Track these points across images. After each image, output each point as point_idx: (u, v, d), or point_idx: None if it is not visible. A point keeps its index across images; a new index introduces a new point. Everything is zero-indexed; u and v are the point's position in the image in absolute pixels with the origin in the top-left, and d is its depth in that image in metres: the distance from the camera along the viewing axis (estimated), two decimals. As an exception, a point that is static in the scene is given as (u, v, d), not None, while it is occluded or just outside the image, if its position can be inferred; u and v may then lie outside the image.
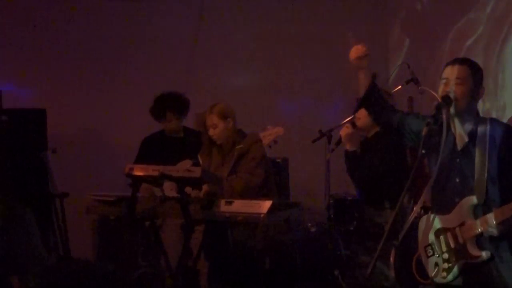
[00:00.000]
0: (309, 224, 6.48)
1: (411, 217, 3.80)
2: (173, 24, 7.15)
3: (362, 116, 4.59)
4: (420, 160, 3.69)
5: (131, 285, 5.00)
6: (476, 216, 3.59)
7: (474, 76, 3.67)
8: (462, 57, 3.88)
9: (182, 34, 7.17)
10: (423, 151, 3.66)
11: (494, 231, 3.54)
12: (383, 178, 4.53)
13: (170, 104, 5.74)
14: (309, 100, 7.09)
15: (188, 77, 7.02)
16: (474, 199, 3.61)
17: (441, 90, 3.69)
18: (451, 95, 3.62)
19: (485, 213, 3.55)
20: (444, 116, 3.62)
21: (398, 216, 4.48)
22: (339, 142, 4.67)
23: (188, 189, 4.90)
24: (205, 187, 5.01)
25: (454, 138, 3.70)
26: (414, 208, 3.76)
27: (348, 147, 4.59)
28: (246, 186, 5.01)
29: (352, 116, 4.88)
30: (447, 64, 3.74)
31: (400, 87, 5.44)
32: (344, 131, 4.68)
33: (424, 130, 3.68)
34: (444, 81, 3.68)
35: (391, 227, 4.26)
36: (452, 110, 3.62)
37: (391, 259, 3.80)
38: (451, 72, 3.66)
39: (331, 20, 7.62)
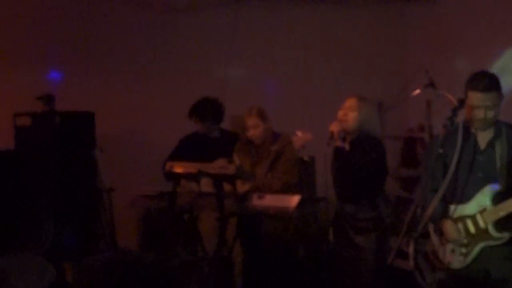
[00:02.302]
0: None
1: (430, 211, 3.78)
2: (210, 35, 7.16)
3: (352, 120, 4.51)
4: (438, 159, 3.68)
5: (171, 273, 5.01)
6: (495, 203, 3.60)
7: (500, 95, 3.65)
8: (487, 81, 3.64)
9: (217, 45, 7.17)
10: (441, 151, 3.64)
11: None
12: (364, 177, 4.47)
13: (205, 108, 5.74)
14: (335, 102, 7.05)
15: (221, 84, 7.02)
16: (496, 187, 3.61)
17: (472, 114, 3.64)
18: (486, 120, 3.61)
19: (505, 199, 3.55)
20: (459, 118, 3.61)
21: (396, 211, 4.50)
22: (331, 137, 4.52)
23: (226, 186, 4.90)
24: (245, 186, 5.00)
25: (475, 138, 3.70)
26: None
27: (339, 143, 4.50)
28: (284, 186, 4.99)
29: None
30: (472, 89, 3.63)
31: (418, 91, 5.41)
32: (335, 128, 4.49)
33: (442, 131, 3.67)
34: (474, 107, 3.63)
35: (393, 221, 4.31)
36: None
37: (410, 250, 3.79)
38: (483, 99, 3.60)
39: (354, 28, 7.60)
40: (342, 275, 4.65)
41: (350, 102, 4.53)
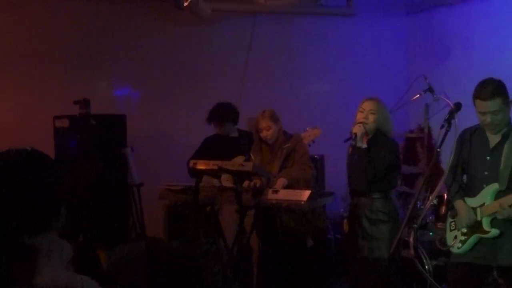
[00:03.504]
0: (342, 210, 6.45)
1: (428, 204, 3.77)
2: (229, 45, 7.17)
3: (371, 122, 4.46)
4: (436, 157, 3.66)
5: (195, 260, 5.02)
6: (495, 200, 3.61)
7: (505, 101, 3.62)
8: (491, 88, 3.60)
9: (235, 54, 7.18)
10: (439, 150, 3.63)
11: (503, 213, 3.52)
12: (383, 174, 4.43)
13: (219, 114, 5.75)
14: (340, 106, 7.05)
15: (239, 89, 7.03)
16: (497, 185, 3.60)
17: (483, 121, 3.63)
18: (494, 124, 3.60)
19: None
20: (456, 120, 3.59)
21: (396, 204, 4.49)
22: (354, 138, 4.47)
23: (246, 182, 4.90)
24: (257, 181, 5.00)
25: (487, 138, 3.70)
26: (430, 197, 3.74)
27: (360, 144, 4.45)
28: (303, 178, 4.97)
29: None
30: (478, 97, 3.63)
31: (418, 95, 5.39)
32: (358, 130, 4.39)
33: (440, 132, 3.65)
34: (481, 114, 3.62)
35: (388, 212, 4.29)
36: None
37: (411, 240, 3.77)
38: (488, 106, 3.59)
39: (356, 42, 7.60)
40: (355, 264, 4.62)
41: (370, 105, 4.45)
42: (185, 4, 6.42)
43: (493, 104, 3.56)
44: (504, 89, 3.63)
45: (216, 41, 7.11)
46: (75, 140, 5.79)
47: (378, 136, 4.49)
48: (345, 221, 4.72)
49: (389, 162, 4.42)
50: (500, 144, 3.65)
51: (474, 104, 3.64)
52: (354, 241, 4.52)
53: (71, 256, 1.88)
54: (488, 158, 3.67)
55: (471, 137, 3.71)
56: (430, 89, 5.20)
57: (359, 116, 4.45)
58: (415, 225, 3.63)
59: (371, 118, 4.41)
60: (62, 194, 1.88)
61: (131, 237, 5.84)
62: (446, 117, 3.60)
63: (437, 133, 4.41)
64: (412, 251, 3.73)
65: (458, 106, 3.61)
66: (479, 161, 3.67)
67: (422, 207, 5.15)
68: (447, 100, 3.71)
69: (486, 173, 3.67)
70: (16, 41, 6.35)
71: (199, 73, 7.05)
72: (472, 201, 3.73)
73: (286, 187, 4.82)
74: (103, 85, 6.63)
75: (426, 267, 4.99)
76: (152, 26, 6.88)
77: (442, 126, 3.59)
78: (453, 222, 3.83)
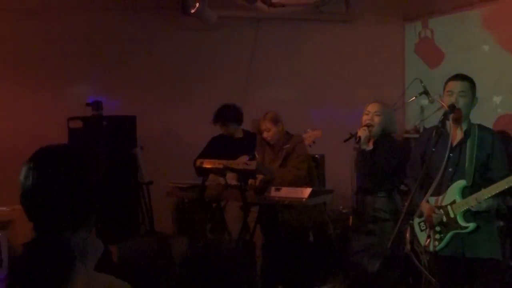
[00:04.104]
0: (341, 207, 6.46)
1: (423, 201, 3.75)
2: (233, 50, 7.18)
3: (377, 124, 4.44)
4: (430, 157, 3.66)
5: (201, 253, 5.02)
6: (464, 196, 3.59)
7: (472, 88, 3.64)
8: (463, 74, 3.74)
9: (240, 58, 7.19)
10: (433, 149, 3.63)
11: (482, 206, 3.53)
12: (389, 174, 4.40)
13: (224, 115, 5.74)
14: (341, 107, 7.05)
15: (243, 91, 7.02)
16: (464, 182, 3.60)
17: (447, 100, 3.65)
18: (456, 105, 3.60)
19: (472, 193, 3.55)
20: (450, 121, 3.59)
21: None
22: (358, 140, 4.45)
23: (251, 181, 4.90)
24: (260, 177, 5.00)
25: (448, 136, 3.67)
26: (425, 195, 3.72)
27: (365, 146, 4.41)
28: (294, 177, 4.98)
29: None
30: (450, 79, 3.70)
31: (414, 98, 5.38)
32: (362, 133, 4.33)
33: (434, 132, 3.64)
34: (449, 93, 3.64)
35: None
36: (453, 115, 3.60)
37: (407, 235, 3.77)
38: (455, 86, 3.63)
39: (355, 47, 7.60)
40: (357, 258, 4.61)
41: (375, 107, 4.41)
42: (192, 11, 6.45)
43: (462, 85, 3.62)
44: (474, 83, 3.70)
45: (221, 46, 7.12)
46: (88, 140, 5.78)
47: (384, 138, 4.46)
48: (351, 216, 4.71)
49: (394, 164, 4.39)
50: (463, 142, 3.63)
51: (444, 88, 3.66)
52: (357, 236, 4.53)
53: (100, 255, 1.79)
54: (451, 155, 3.65)
55: (433, 135, 3.65)
56: (426, 92, 5.18)
57: (365, 118, 4.42)
58: (411, 221, 3.63)
59: (377, 119, 4.38)
60: (98, 191, 1.79)
61: (140, 232, 5.84)
62: (441, 118, 3.60)
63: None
64: (408, 246, 3.73)
65: (451, 108, 3.61)
66: (442, 158, 3.63)
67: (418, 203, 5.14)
68: (441, 102, 3.70)
69: (450, 169, 3.66)
70: (32, 49, 6.35)
71: (205, 76, 7.05)
72: (440, 201, 3.70)
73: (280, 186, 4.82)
74: (115, 88, 6.63)
75: (422, 261, 4.97)
76: (161, 32, 6.88)
77: (437, 128, 3.59)
78: (422, 223, 3.81)
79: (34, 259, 1.63)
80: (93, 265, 1.72)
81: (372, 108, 4.42)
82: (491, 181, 3.54)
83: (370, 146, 4.41)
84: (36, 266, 1.61)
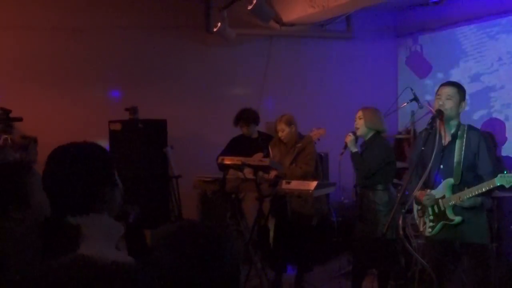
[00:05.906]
0: (342, 198, 6.42)
1: (414, 193, 3.72)
2: (250, 63, 7.18)
3: (360, 126, 4.51)
4: (420, 155, 3.62)
5: (222, 237, 5.01)
6: (453, 192, 3.55)
7: (459, 94, 3.59)
8: (453, 81, 3.75)
9: (255, 70, 7.20)
10: (423, 148, 3.59)
11: (464, 204, 3.49)
12: (376, 169, 4.43)
13: (245, 116, 5.74)
14: (341, 111, 7.01)
15: (258, 98, 7.02)
16: (452, 180, 3.55)
17: (436, 104, 3.61)
18: (443, 108, 3.55)
19: (460, 190, 3.50)
20: (437, 123, 3.55)
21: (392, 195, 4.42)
22: (345, 146, 4.56)
23: (265, 175, 4.89)
24: (273, 172, 4.99)
25: (441, 137, 3.63)
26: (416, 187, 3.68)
27: (352, 149, 4.52)
28: (304, 173, 4.97)
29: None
30: (441, 85, 3.67)
31: (405, 104, 5.34)
32: (348, 139, 4.50)
33: (424, 133, 3.61)
34: (438, 97, 3.61)
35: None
36: (444, 117, 3.56)
37: (400, 222, 3.73)
38: (443, 91, 3.59)
39: (354, 60, 7.57)
40: (356, 243, 4.63)
41: (359, 113, 4.55)
42: (215, 29, 6.49)
43: (449, 90, 3.55)
44: (463, 88, 3.62)
45: (239, 59, 7.13)
46: (126, 140, 5.79)
47: (374, 138, 4.52)
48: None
49: (381, 159, 4.43)
50: (452, 141, 3.59)
51: (436, 94, 3.62)
52: (356, 223, 4.57)
53: (123, 233, 1.78)
54: (442, 153, 3.60)
55: (428, 136, 3.61)
56: (416, 99, 5.15)
57: (355, 124, 4.55)
58: (403, 210, 3.60)
59: (360, 122, 4.50)
60: (105, 180, 1.76)
61: (170, 218, 5.86)
62: (429, 122, 3.56)
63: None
64: (401, 232, 3.70)
65: (439, 112, 3.57)
66: (431, 156, 3.58)
67: (409, 195, 5.10)
68: (430, 108, 3.67)
69: (441, 166, 3.61)
70: (82, 61, 6.39)
71: (225, 85, 7.08)
72: (435, 193, 3.67)
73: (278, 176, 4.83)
74: (149, 95, 6.65)
75: (413, 245, 4.93)
76: (188, 47, 6.91)
77: (426, 129, 3.56)
78: (420, 210, 3.77)
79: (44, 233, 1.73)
80: (112, 244, 1.72)
81: (357, 114, 4.56)
82: (479, 179, 3.48)
83: (356, 149, 4.50)
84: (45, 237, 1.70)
